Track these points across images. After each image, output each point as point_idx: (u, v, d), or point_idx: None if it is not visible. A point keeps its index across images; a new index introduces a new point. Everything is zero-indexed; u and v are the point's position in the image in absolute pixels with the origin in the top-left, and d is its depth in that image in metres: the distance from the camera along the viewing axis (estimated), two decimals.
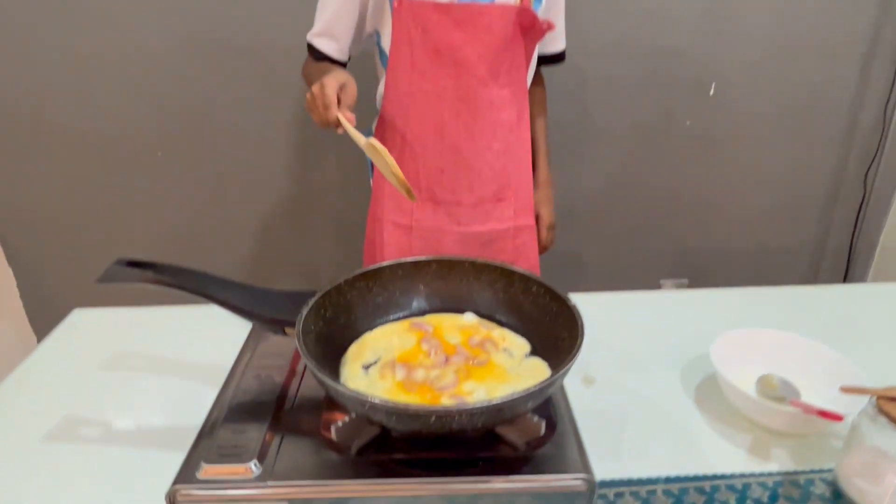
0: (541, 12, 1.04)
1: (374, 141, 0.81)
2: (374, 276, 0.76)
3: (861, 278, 1.99)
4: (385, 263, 0.76)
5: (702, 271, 1.99)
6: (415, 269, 0.78)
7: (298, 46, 1.11)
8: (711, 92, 1.76)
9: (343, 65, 1.11)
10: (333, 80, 0.86)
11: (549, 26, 1.02)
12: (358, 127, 0.86)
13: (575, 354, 0.59)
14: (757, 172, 1.86)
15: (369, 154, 0.83)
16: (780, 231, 1.94)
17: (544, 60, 1.18)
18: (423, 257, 0.78)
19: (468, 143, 1.03)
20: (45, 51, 1.53)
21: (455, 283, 0.79)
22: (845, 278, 2.00)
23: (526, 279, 0.74)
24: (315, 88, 0.87)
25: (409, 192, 0.82)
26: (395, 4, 0.97)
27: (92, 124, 1.61)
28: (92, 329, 0.97)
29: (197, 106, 1.62)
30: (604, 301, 1.04)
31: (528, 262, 1.16)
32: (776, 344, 0.83)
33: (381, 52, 1.06)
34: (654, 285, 2.00)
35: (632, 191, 1.85)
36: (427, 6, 0.95)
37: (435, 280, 0.79)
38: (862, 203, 1.87)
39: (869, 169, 1.83)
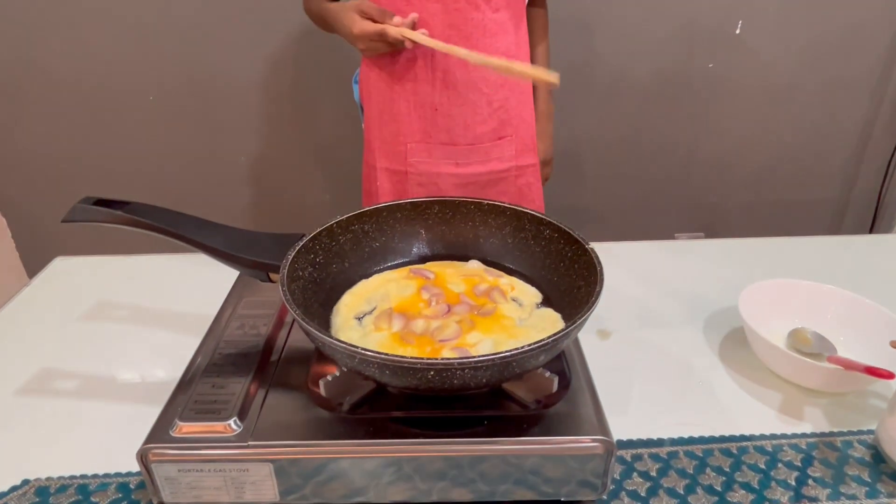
0: None
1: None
2: (371, 218, 0.69)
3: (888, 231, 1.90)
4: (382, 204, 0.69)
5: (718, 225, 1.91)
6: (415, 212, 0.71)
7: None
8: (737, 31, 1.64)
9: None
10: (355, 18, 0.88)
11: None
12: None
13: (593, 304, 0.52)
14: (782, 120, 1.75)
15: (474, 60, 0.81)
16: (802, 183, 1.84)
17: None
18: (424, 198, 0.71)
19: (462, 73, 0.94)
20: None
21: (459, 226, 0.72)
22: (872, 226, 1.91)
23: (538, 221, 0.67)
24: (359, 45, 0.90)
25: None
26: None
27: (83, 68, 1.54)
28: (74, 277, 0.91)
29: (189, 49, 1.53)
30: (619, 251, 0.97)
31: (533, 204, 1.09)
32: (808, 296, 0.76)
33: None
34: (668, 237, 1.92)
35: (647, 139, 1.75)
36: None
37: (437, 224, 0.72)
38: (894, 153, 1.76)
39: None
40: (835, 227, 1.93)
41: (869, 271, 0.91)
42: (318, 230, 0.64)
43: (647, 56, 1.64)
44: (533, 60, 1.09)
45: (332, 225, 0.65)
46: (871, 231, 1.90)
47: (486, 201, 0.70)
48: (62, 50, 1.51)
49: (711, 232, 1.91)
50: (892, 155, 1.77)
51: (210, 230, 0.61)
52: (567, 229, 0.64)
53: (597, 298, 0.52)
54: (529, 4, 1.04)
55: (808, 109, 1.74)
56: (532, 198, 1.08)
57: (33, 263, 1.78)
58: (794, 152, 1.79)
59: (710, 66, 1.67)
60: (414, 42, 0.86)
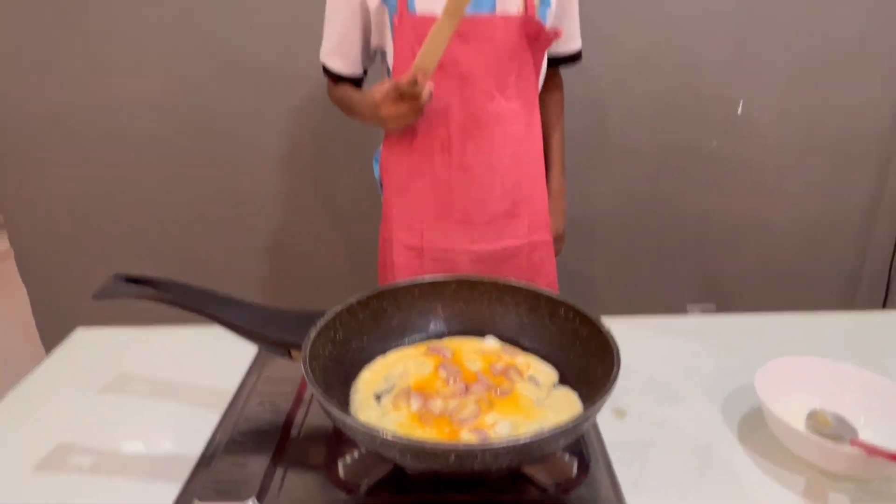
0: (550, 15, 1.00)
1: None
2: (389, 297, 0.71)
3: None
4: (401, 283, 0.71)
5: (729, 296, 1.91)
6: (433, 290, 0.73)
7: (314, 66, 1.09)
8: (739, 110, 1.70)
9: (360, 80, 1.10)
10: (378, 100, 0.90)
11: (556, 34, 0.99)
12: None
13: (611, 386, 0.53)
14: (788, 194, 1.78)
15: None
16: (812, 255, 1.85)
17: (560, 61, 1.12)
18: (441, 276, 0.73)
19: (477, 158, 0.99)
20: (65, 64, 1.53)
21: (476, 304, 0.73)
22: (885, 304, 1.90)
23: (553, 301, 0.68)
24: (379, 105, 0.91)
25: None
26: (396, 21, 0.94)
27: (109, 139, 1.61)
28: (94, 349, 0.93)
29: (214, 122, 1.61)
30: (631, 326, 0.97)
31: (545, 279, 1.11)
32: (827, 375, 0.75)
33: (388, 70, 1.03)
34: (680, 310, 1.91)
35: (656, 210, 1.79)
36: (428, 20, 0.91)
37: (454, 301, 0.73)
38: None
39: None
40: (848, 297, 1.92)
41: (883, 349, 0.91)
42: (339, 309, 0.65)
43: (656, 131, 1.70)
44: (549, 142, 1.14)
45: (352, 303, 0.67)
46: (885, 303, 1.89)
47: (502, 280, 0.72)
48: (87, 120, 1.58)
49: (723, 303, 1.91)
50: None
51: (234, 307, 0.63)
52: (582, 310, 0.65)
53: (614, 381, 0.53)
54: (545, 90, 1.10)
55: (814, 184, 1.77)
56: (545, 272, 1.09)
57: (51, 330, 1.81)
58: (803, 225, 1.81)
59: (714, 143, 1.72)
60: (418, 76, 0.87)
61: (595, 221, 1.76)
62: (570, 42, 1.09)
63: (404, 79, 0.85)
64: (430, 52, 0.83)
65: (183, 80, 1.56)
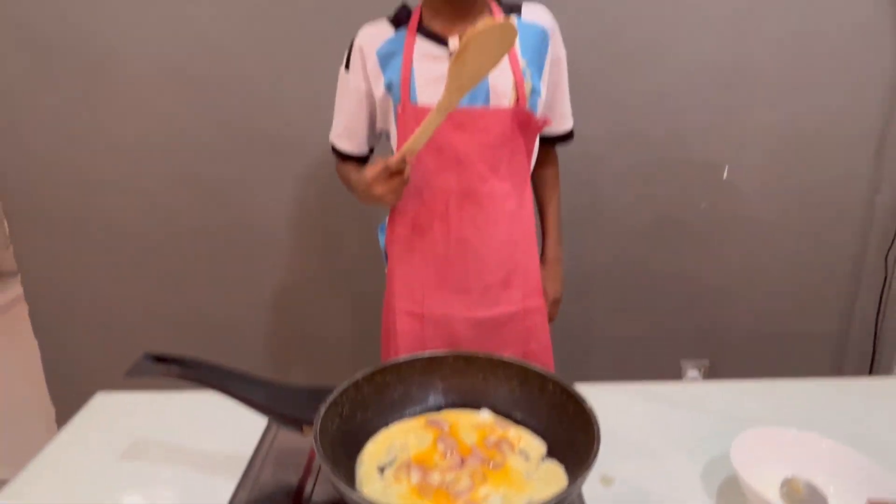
0: (541, 103, 1.09)
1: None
2: (392, 371, 0.77)
3: (889, 362, 1.94)
4: (402, 359, 0.78)
5: (724, 352, 1.96)
6: (432, 364, 0.79)
7: (324, 134, 1.20)
8: (725, 175, 1.79)
9: (366, 158, 1.20)
10: (368, 181, 0.97)
11: (546, 122, 1.09)
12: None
13: (591, 463, 0.58)
14: (775, 255, 1.85)
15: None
16: (802, 314, 1.91)
17: (553, 140, 1.21)
18: (439, 352, 0.79)
19: (473, 233, 1.07)
20: (83, 126, 1.62)
21: (471, 377, 0.79)
22: (872, 361, 1.95)
23: (541, 377, 0.75)
24: (382, 201, 0.99)
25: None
26: (400, 110, 1.04)
27: (123, 200, 1.69)
28: (114, 414, 0.98)
29: (227, 189, 1.69)
30: (620, 391, 1.03)
31: (539, 342, 1.17)
32: (800, 444, 0.81)
33: (392, 151, 1.12)
34: (675, 366, 1.96)
35: (649, 269, 1.86)
36: (428, 111, 0.99)
37: (452, 375, 0.79)
38: (884, 286, 1.85)
39: (889, 251, 1.82)
40: (837, 358, 1.97)
41: (868, 417, 0.96)
42: (346, 385, 0.72)
43: (648, 195, 1.78)
44: (545, 213, 1.23)
45: (357, 379, 0.73)
46: (872, 364, 1.93)
47: (495, 356, 0.78)
48: (106, 189, 1.67)
49: (718, 359, 1.96)
50: (883, 288, 1.85)
51: (252, 385, 0.70)
52: (568, 387, 0.71)
53: (594, 457, 0.59)
54: (540, 165, 1.19)
55: (799, 246, 1.85)
56: (538, 337, 1.16)
57: (60, 385, 1.85)
58: (789, 286, 1.88)
59: (703, 205, 1.81)
60: (406, 156, 0.94)
61: (591, 281, 1.83)
62: (562, 123, 1.18)
63: (394, 159, 0.94)
64: (419, 138, 0.92)
65: (199, 147, 1.65)
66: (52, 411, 1.87)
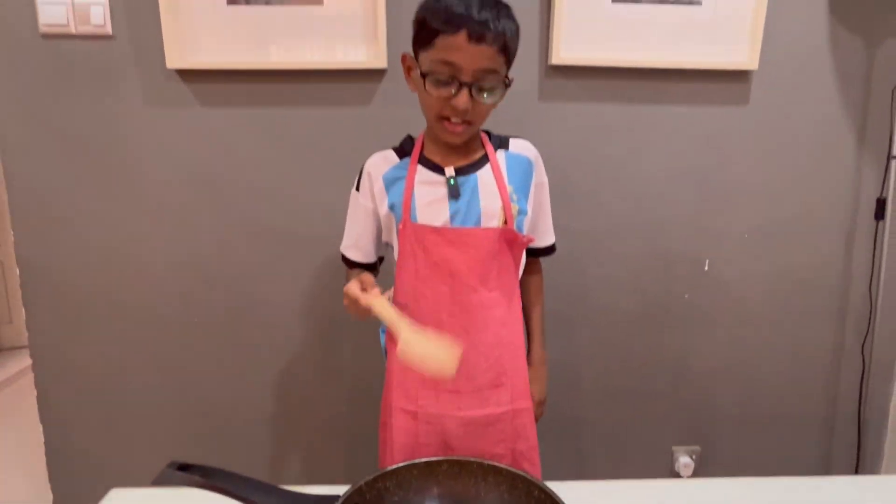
0: (526, 222, 1.24)
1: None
2: (391, 477, 0.84)
3: (875, 447, 1.99)
4: (401, 464, 0.85)
5: (714, 439, 2.01)
6: (427, 469, 0.86)
7: (333, 232, 1.33)
8: (706, 268, 1.90)
9: (374, 265, 1.33)
10: (353, 282, 1.05)
11: (530, 240, 1.23)
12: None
13: None
14: (758, 342, 1.94)
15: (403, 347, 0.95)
16: (788, 401, 1.98)
17: (537, 253, 1.36)
18: (434, 458, 0.87)
19: (464, 338, 1.16)
20: (98, 231, 1.74)
21: (464, 481, 0.87)
22: (859, 446, 1.99)
23: (528, 483, 0.82)
24: (345, 301, 1.06)
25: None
26: (401, 227, 1.17)
27: (138, 293, 1.78)
28: None
29: (235, 280, 1.79)
30: (609, 491, 1.09)
31: (527, 442, 1.25)
32: None
33: (395, 261, 1.24)
34: (667, 452, 2.01)
35: (639, 358, 1.94)
36: (426, 229, 1.15)
37: (446, 479, 0.87)
38: (862, 376, 1.93)
39: (864, 342, 1.91)
40: (825, 441, 2.02)
41: None
42: (349, 492, 0.79)
43: (630, 287, 1.89)
44: (530, 318, 1.34)
45: (360, 485, 0.81)
46: (858, 448, 1.98)
47: (486, 462, 0.86)
48: (118, 279, 1.76)
49: (708, 446, 2.01)
50: (861, 377, 1.93)
51: (269, 494, 0.77)
52: (552, 493, 0.79)
53: None
54: (526, 273, 1.31)
55: (780, 333, 1.94)
56: (526, 436, 1.24)
57: (61, 474, 1.88)
58: (773, 372, 1.96)
59: (686, 296, 1.91)
60: (374, 310, 1.01)
61: (579, 371, 1.91)
62: (545, 239, 1.34)
63: (364, 301, 1.01)
64: (383, 312, 1.00)
65: (212, 240, 1.76)
66: (49, 497, 1.89)
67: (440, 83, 1.06)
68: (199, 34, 1.60)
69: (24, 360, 2.00)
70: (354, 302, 1.03)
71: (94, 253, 1.75)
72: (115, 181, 1.71)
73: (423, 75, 1.08)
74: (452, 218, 1.16)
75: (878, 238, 1.86)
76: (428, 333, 0.96)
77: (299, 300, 1.82)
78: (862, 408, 1.96)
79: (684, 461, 1.99)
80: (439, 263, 1.15)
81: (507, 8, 1.08)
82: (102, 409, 1.84)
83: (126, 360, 1.83)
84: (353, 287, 1.04)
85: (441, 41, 1.04)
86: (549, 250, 1.37)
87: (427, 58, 1.08)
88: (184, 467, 0.77)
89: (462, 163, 1.19)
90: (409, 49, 1.15)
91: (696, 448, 2.01)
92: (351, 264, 1.32)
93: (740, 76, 1.77)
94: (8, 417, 1.96)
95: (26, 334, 1.81)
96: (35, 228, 1.72)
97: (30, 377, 1.81)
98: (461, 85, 1.05)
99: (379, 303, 1.00)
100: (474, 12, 1.02)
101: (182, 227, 1.75)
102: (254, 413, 1.88)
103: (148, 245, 1.75)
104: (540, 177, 1.28)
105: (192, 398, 1.85)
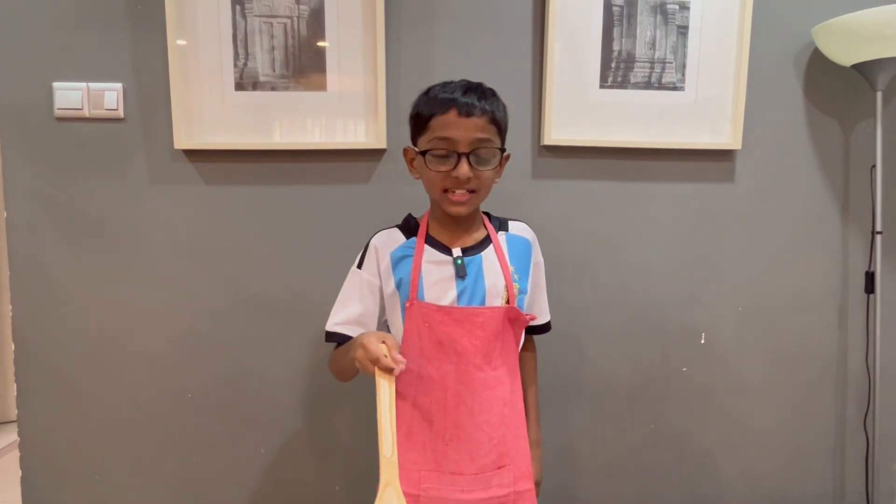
0: (525, 301, 1.27)
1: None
2: None
3: None
4: None
5: None
6: None
7: (327, 312, 1.31)
8: (702, 341, 1.91)
9: None
10: (373, 337, 1.06)
11: (532, 318, 1.25)
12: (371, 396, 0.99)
13: None
14: (759, 419, 1.92)
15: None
16: (793, 479, 1.94)
17: (534, 331, 1.39)
18: None
19: (468, 418, 1.17)
20: (97, 307, 1.74)
21: None
22: None
23: None
24: (359, 354, 1.05)
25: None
26: (407, 305, 1.19)
27: (129, 372, 1.76)
28: None
29: (232, 354, 1.78)
30: None
31: None
32: None
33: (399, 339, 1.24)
34: None
35: (638, 435, 1.91)
36: (432, 307, 1.17)
37: None
38: (867, 451, 1.89)
39: (866, 417, 1.89)
40: None
41: None
42: None
43: (628, 361, 1.88)
44: (526, 397, 1.34)
45: None
46: None
47: None
48: (118, 356, 1.75)
49: None
50: (867, 453, 1.89)
51: None
52: None
53: None
54: (522, 350, 1.32)
55: (779, 407, 1.92)
56: None
57: None
58: (775, 448, 1.92)
59: (684, 369, 1.90)
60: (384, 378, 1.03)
61: (577, 449, 1.88)
62: (541, 317, 1.37)
63: (383, 362, 1.03)
64: (384, 396, 1.03)
65: (207, 313, 1.77)
66: None
67: (440, 158, 1.14)
68: (206, 117, 1.68)
69: (12, 436, 1.95)
70: (374, 361, 1.03)
71: (91, 330, 1.75)
72: (117, 258, 1.73)
73: (424, 154, 1.15)
74: (459, 297, 1.19)
75: (870, 311, 1.88)
76: None
77: (296, 375, 1.80)
78: (870, 486, 1.91)
79: None
80: (444, 342, 1.16)
81: (490, 90, 1.19)
82: (89, 490, 1.78)
83: (116, 439, 1.78)
84: (374, 344, 1.03)
85: (435, 122, 1.14)
86: (545, 328, 1.41)
87: (425, 140, 1.17)
88: None
89: (467, 243, 1.23)
90: (407, 135, 1.24)
91: None
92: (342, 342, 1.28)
93: (724, 155, 1.85)
94: None
95: (16, 410, 1.78)
96: (34, 305, 1.73)
97: (16, 453, 1.75)
98: (459, 156, 1.12)
99: (384, 389, 1.00)
100: (459, 95, 1.13)
101: (182, 301, 1.76)
102: (247, 492, 1.82)
103: (146, 320, 1.76)
104: (537, 257, 1.33)
105: (184, 476, 1.80)
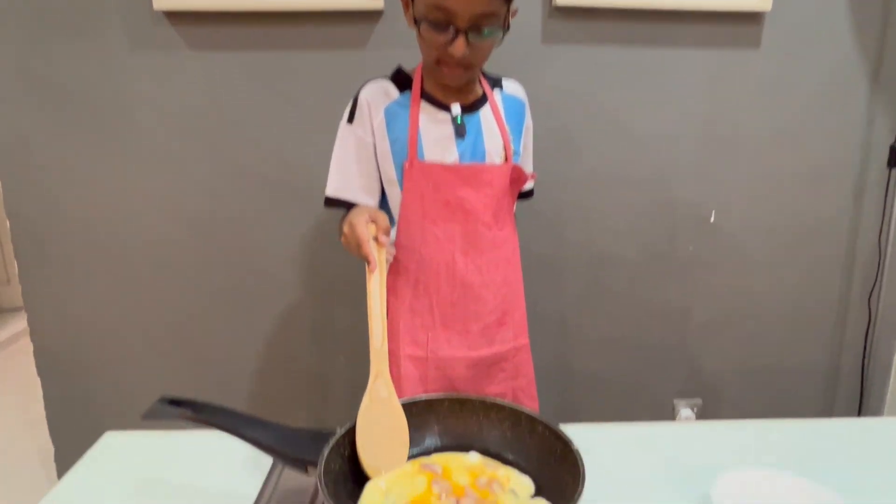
0: (520, 161, 1.22)
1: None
2: None
3: (878, 400, 1.98)
4: (401, 401, 0.82)
5: (716, 390, 2.00)
6: (428, 407, 0.84)
7: (322, 181, 1.21)
8: (712, 219, 1.86)
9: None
10: (362, 217, 0.92)
11: (533, 176, 1.21)
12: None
13: (576, 501, 0.63)
14: (762, 295, 1.91)
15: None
16: (791, 352, 1.96)
17: (520, 195, 1.32)
18: (435, 395, 0.84)
19: (476, 278, 1.15)
20: (97, 183, 1.70)
21: (466, 419, 0.84)
22: (861, 397, 1.99)
23: (532, 420, 0.80)
24: (346, 229, 0.95)
25: None
26: (406, 165, 1.10)
27: (125, 243, 1.74)
28: (121, 454, 1.02)
29: (230, 226, 1.75)
30: (611, 432, 1.07)
31: (526, 377, 1.27)
32: (778, 487, 0.85)
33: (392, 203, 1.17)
34: (668, 404, 2.00)
35: (639, 308, 1.91)
36: (437, 167, 1.10)
37: (447, 417, 0.84)
38: (868, 326, 1.90)
39: (871, 293, 1.88)
40: (829, 392, 2.01)
41: (853, 460, 0.98)
42: (348, 426, 0.76)
43: (633, 237, 1.85)
44: None
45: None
46: (861, 397, 1.97)
47: (489, 399, 0.83)
48: (114, 225, 1.72)
49: (710, 398, 2.00)
50: (867, 329, 1.90)
51: (260, 427, 0.74)
52: (556, 429, 0.76)
53: (579, 496, 0.64)
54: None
55: (785, 285, 1.91)
56: (525, 372, 1.26)
57: (62, 425, 1.88)
58: (777, 322, 1.93)
59: (691, 248, 1.87)
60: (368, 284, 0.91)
61: (580, 320, 1.89)
62: (528, 182, 1.28)
63: (365, 249, 0.89)
64: (374, 292, 0.90)
65: (206, 191, 1.72)
66: (50, 449, 1.89)
67: (435, 29, 0.99)
68: None
69: (24, 321, 2.00)
70: (357, 246, 0.91)
71: (82, 201, 1.70)
72: (102, 129, 1.65)
73: (418, 20, 1.00)
74: (461, 157, 1.12)
75: (889, 186, 1.81)
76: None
77: (291, 246, 1.78)
78: (867, 359, 1.94)
79: (685, 413, 1.99)
80: (451, 202, 1.11)
81: None
82: (98, 357, 1.82)
83: (119, 308, 1.79)
84: (362, 226, 0.90)
85: None
86: (529, 194, 1.37)
87: (422, 1, 0.99)
88: (175, 402, 0.74)
89: (465, 101, 1.13)
90: None
91: (698, 401, 2.00)
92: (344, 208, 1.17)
93: (752, 18, 1.69)
94: (10, 376, 1.95)
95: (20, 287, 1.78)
96: (22, 179, 1.68)
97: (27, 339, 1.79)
98: (457, 31, 0.98)
99: (374, 279, 0.88)
100: None
101: (171, 173, 1.70)
102: (250, 362, 1.86)
103: (137, 192, 1.71)
104: (529, 119, 1.26)
105: (187, 344, 1.83)
